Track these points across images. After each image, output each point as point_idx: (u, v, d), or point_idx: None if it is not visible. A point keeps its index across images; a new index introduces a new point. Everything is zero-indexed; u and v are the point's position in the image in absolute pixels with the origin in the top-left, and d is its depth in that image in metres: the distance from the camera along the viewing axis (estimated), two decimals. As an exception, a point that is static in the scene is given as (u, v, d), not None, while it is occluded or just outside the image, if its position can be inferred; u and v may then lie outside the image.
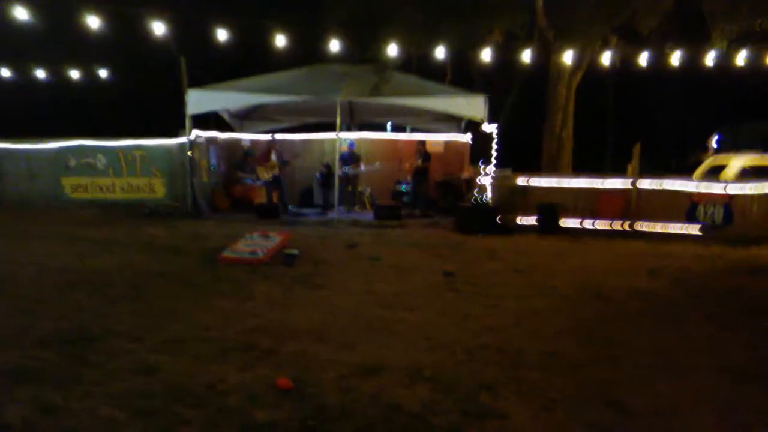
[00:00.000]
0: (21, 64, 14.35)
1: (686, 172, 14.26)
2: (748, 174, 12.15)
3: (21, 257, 7.63)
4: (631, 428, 3.30)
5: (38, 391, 3.50)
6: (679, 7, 12.17)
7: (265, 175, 12.96)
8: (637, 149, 11.14)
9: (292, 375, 3.79)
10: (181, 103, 12.37)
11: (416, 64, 17.46)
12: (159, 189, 13.27)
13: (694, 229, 10.96)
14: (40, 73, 14.31)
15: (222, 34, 11.29)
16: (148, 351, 4.24)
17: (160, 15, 10.57)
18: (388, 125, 21.05)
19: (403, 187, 14.50)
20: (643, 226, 11.15)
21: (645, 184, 11.24)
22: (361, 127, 16.74)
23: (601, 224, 11.23)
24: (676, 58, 12.48)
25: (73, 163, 13.27)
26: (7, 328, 4.68)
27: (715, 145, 21.47)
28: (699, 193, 10.97)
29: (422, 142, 14.17)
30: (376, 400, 3.48)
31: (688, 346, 4.72)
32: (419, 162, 13.49)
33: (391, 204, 13.08)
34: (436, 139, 15.57)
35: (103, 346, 4.30)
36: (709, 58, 12.26)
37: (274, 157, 12.95)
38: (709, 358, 4.43)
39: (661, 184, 11.23)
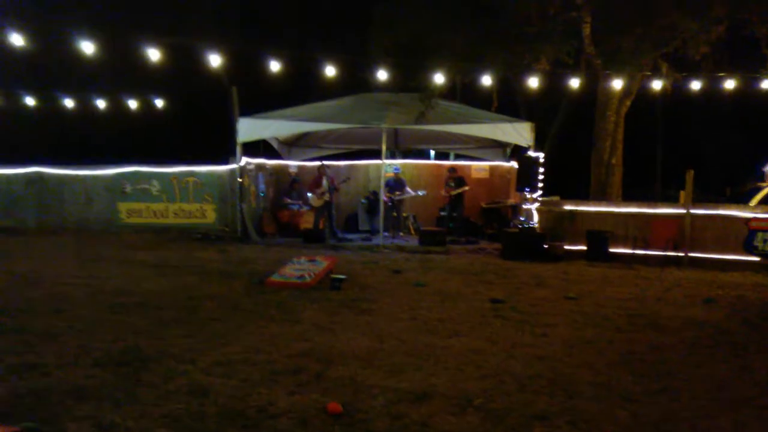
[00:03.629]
0: (82, 94, 15.05)
1: (741, 199, 13.81)
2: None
3: (78, 279, 7.92)
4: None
5: (96, 409, 3.61)
6: (732, 32, 11.89)
7: (317, 201, 13.10)
8: (690, 176, 10.85)
9: (341, 400, 3.80)
10: (232, 131, 12.73)
11: (461, 91, 17.54)
12: (210, 214, 13.61)
13: (752, 258, 10.56)
14: (100, 103, 14.96)
15: (273, 65, 11.60)
16: (200, 373, 4.32)
17: (215, 47, 10.95)
18: (432, 152, 21.14)
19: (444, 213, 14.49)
20: (697, 254, 10.81)
21: (699, 210, 10.93)
22: (406, 154, 16.86)
23: (654, 252, 10.94)
24: (729, 84, 12.18)
25: (128, 188, 13.75)
26: (65, 348, 4.84)
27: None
28: (757, 220, 10.59)
29: (453, 169, 14.14)
30: (425, 428, 3.45)
31: (748, 378, 4.53)
32: (452, 188, 13.52)
33: (436, 230, 13.05)
34: (481, 164, 15.56)
35: (157, 367, 4.41)
36: (764, 84, 11.91)
37: (324, 183, 13.12)
38: (772, 392, 4.24)
39: (716, 211, 10.90)
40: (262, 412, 3.63)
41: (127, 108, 15.17)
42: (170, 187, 13.66)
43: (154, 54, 10.24)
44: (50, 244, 11.82)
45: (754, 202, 12.69)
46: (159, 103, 15.31)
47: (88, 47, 9.80)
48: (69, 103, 14.92)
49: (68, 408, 3.62)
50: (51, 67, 17.77)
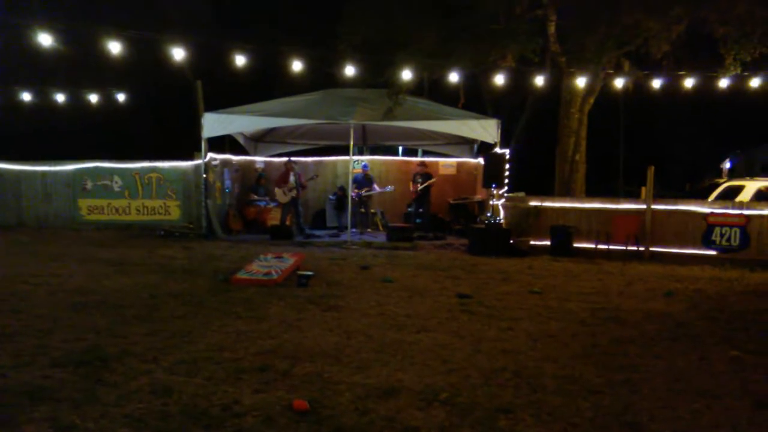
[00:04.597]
0: (41, 87, 14.63)
1: (700, 195, 14.20)
2: (763, 197, 12.10)
3: (37, 278, 7.70)
4: (651, 454, 3.25)
5: (55, 410, 3.52)
6: (692, 31, 12.20)
7: (284, 197, 13.00)
8: (651, 172, 11.11)
9: (308, 397, 3.78)
10: (196, 126, 12.54)
11: (429, 88, 17.59)
12: (174, 211, 13.39)
13: (710, 252, 10.86)
14: (60, 97, 14.55)
15: (239, 60, 11.45)
16: (163, 371, 4.24)
17: (178, 40, 10.75)
18: (400, 148, 21.18)
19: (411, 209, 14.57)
20: (658, 249, 11.07)
21: (660, 206, 11.19)
22: (374, 150, 16.86)
23: (616, 247, 11.16)
24: (689, 82, 12.48)
25: (89, 184, 13.44)
26: (23, 348, 4.70)
27: (728, 166, 21.33)
28: (715, 215, 10.89)
29: (423, 163, 14.21)
30: (392, 423, 3.45)
31: (706, 369, 4.65)
32: (419, 184, 13.60)
33: (404, 226, 13.08)
34: (448, 161, 15.66)
35: (118, 367, 4.31)
36: (723, 82, 12.24)
37: (292, 179, 13.01)
38: (728, 381, 4.36)
39: (676, 207, 11.18)
40: (227, 410, 3.59)
41: (88, 102, 14.80)
42: (132, 184, 13.40)
43: (115, 47, 10.01)
44: (8, 241, 11.47)
45: (712, 197, 13.05)
46: (121, 97, 14.97)
47: (45, 39, 9.52)
48: (27, 96, 14.48)
49: (25, 409, 3.51)
50: (8, 59, 17.23)
